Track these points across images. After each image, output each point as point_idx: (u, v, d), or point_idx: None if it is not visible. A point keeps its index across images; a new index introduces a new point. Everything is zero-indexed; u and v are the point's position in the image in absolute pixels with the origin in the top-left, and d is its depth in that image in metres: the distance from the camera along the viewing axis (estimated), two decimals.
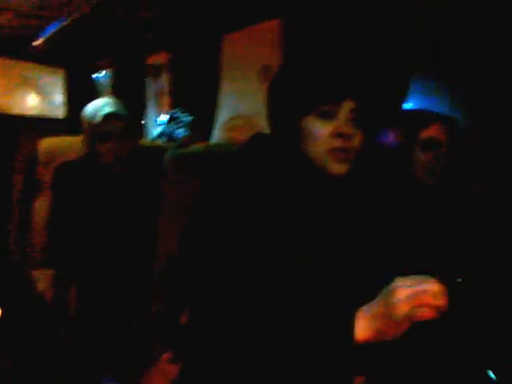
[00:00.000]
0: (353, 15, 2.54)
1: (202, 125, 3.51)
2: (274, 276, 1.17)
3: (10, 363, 2.51)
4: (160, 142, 3.55)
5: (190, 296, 1.32)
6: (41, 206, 2.59)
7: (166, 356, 1.62)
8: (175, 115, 3.58)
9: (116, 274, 2.13)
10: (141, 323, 1.93)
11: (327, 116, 1.24)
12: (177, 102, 3.94)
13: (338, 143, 1.24)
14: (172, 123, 3.57)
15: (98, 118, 2.18)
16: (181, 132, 3.47)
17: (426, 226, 1.70)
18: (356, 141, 1.26)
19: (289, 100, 1.29)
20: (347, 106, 1.24)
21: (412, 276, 1.04)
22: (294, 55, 1.59)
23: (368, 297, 1.07)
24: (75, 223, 2.20)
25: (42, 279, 2.29)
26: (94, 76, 4.98)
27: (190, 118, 3.50)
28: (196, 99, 3.70)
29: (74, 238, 2.19)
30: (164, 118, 3.79)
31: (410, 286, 1.02)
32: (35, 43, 4.31)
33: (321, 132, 1.24)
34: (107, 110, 2.20)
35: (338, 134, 1.24)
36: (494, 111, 2.08)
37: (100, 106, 2.23)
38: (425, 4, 2.24)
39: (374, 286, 1.09)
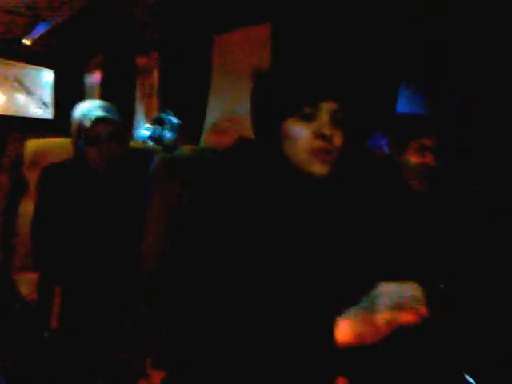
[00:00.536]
0: (334, 18, 2.54)
1: (191, 127, 3.49)
2: (260, 276, 1.17)
3: None
4: (148, 144, 3.53)
5: (181, 297, 1.32)
6: (26, 208, 2.56)
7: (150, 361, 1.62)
8: (163, 117, 3.57)
9: (103, 276, 2.12)
10: (131, 325, 1.92)
11: (308, 118, 1.27)
12: (165, 103, 3.91)
13: (318, 144, 1.26)
14: (160, 126, 3.55)
15: (88, 121, 2.17)
16: (168, 135, 3.45)
17: (415, 228, 1.72)
18: (337, 142, 1.28)
19: (270, 103, 1.31)
20: (328, 108, 1.27)
21: (395, 281, 1.06)
22: (276, 58, 1.61)
23: (351, 299, 1.09)
24: (61, 226, 2.17)
25: (26, 283, 2.27)
26: (82, 77, 4.95)
27: (177, 121, 3.48)
28: (185, 101, 3.68)
29: (60, 240, 2.16)
30: (152, 120, 3.78)
31: (393, 292, 1.05)
32: (23, 42, 4.28)
33: (302, 133, 1.26)
34: (97, 113, 2.19)
35: (318, 135, 1.26)
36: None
37: (90, 109, 2.21)
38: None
39: (357, 288, 1.11)
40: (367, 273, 1.27)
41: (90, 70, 4.87)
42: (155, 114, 3.89)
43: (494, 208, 1.87)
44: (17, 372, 2.41)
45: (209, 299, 1.19)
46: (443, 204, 1.82)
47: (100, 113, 2.19)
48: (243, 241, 1.21)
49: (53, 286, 2.18)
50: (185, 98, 3.70)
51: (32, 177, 2.58)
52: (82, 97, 2.45)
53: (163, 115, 3.58)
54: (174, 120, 3.48)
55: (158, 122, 3.58)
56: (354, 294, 1.11)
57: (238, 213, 1.23)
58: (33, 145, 2.69)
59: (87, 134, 2.17)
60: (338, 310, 1.09)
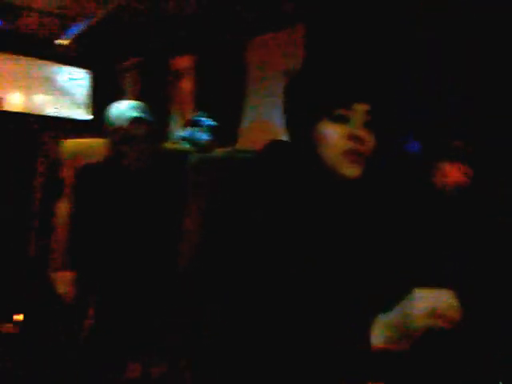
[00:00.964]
0: (365, 20, 2.53)
1: (226, 130, 3.49)
2: (292, 278, 1.19)
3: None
4: (183, 145, 3.54)
5: (213, 296, 1.33)
6: (62, 207, 2.58)
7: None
8: (198, 119, 3.57)
9: (138, 274, 2.13)
10: (164, 324, 1.93)
11: (341, 120, 1.27)
12: (200, 105, 3.92)
13: (351, 146, 1.26)
14: (195, 127, 3.56)
15: (123, 122, 2.19)
16: (203, 137, 3.45)
17: (439, 232, 1.72)
18: (369, 144, 1.29)
19: (304, 104, 1.32)
20: (361, 110, 1.28)
21: (429, 289, 1.08)
22: (309, 61, 1.63)
23: (383, 303, 1.11)
24: (97, 225, 2.19)
25: (62, 282, 2.29)
26: (118, 77, 4.99)
27: (212, 123, 3.49)
28: (220, 103, 3.69)
29: (96, 240, 2.18)
30: (187, 121, 3.79)
31: (428, 299, 1.06)
32: (59, 43, 4.33)
33: (335, 135, 1.27)
34: (132, 113, 2.20)
35: (351, 137, 1.26)
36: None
37: (125, 109, 2.23)
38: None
39: (389, 293, 1.12)
40: (398, 277, 1.29)
41: (125, 71, 4.91)
42: (190, 115, 3.90)
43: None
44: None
45: (239, 301, 1.20)
46: (469, 207, 1.83)
47: (135, 113, 2.21)
48: (273, 242, 1.22)
49: (88, 285, 2.20)
50: (220, 101, 3.71)
51: (68, 176, 2.60)
52: (117, 97, 2.46)
53: (198, 117, 3.59)
54: (209, 122, 3.49)
55: (194, 123, 3.59)
56: (386, 298, 1.13)
57: (268, 214, 1.24)
58: (69, 145, 2.71)
59: (122, 134, 2.19)
60: (372, 315, 1.12)
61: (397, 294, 1.11)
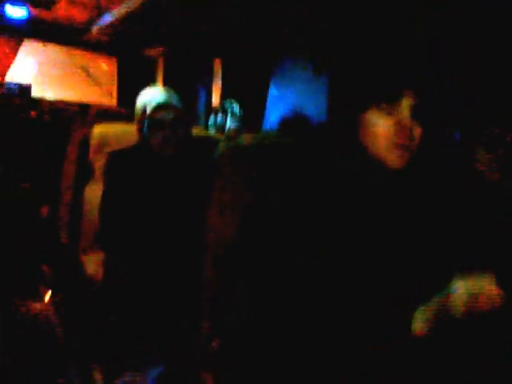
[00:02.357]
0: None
1: (253, 117, 3.50)
2: (333, 267, 1.19)
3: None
4: (210, 132, 3.56)
5: (240, 284, 1.34)
6: (92, 192, 2.62)
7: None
8: (226, 106, 3.59)
9: (166, 259, 2.16)
10: (191, 310, 1.95)
11: (388, 111, 1.27)
12: (228, 91, 3.93)
13: (398, 138, 1.26)
14: (222, 114, 3.58)
15: (151, 108, 2.22)
16: (231, 123, 3.47)
17: (478, 219, 1.70)
18: (416, 136, 1.29)
19: (351, 95, 1.31)
20: (409, 102, 1.27)
21: (471, 276, 1.07)
22: (354, 50, 1.62)
23: (426, 290, 1.11)
24: (126, 209, 2.22)
25: (92, 263, 2.33)
26: (146, 65, 5.01)
27: (240, 110, 3.50)
28: (248, 90, 3.69)
29: (125, 223, 2.22)
30: (215, 108, 3.80)
31: (470, 288, 1.07)
32: (88, 32, 4.36)
33: (382, 126, 1.27)
34: (160, 99, 2.24)
35: (398, 129, 1.26)
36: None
37: (153, 96, 2.26)
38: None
39: (431, 280, 1.12)
40: (439, 264, 1.28)
41: (153, 59, 4.93)
42: (218, 102, 3.91)
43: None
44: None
45: (270, 288, 1.21)
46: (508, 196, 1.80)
47: (163, 99, 2.24)
48: (314, 231, 1.22)
49: (117, 267, 2.24)
50: (248, 87, 3.71)
51: (98, 162, 2.64)
52: (145, 84, 2.49)
53: (226, 104, 3.60)
54: (237, 109, 3.50)
55: (221, 110, 3.60)
56: (429, 285, 1.13)
57: (310, 203, 1.24)
58: (99, 131, 2.74)
59: (151, 120, 2.22)
60: (415, 302, 1.12)
61: (438, 281, 1.11)
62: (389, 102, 1.27)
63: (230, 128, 3.44)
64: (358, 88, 1.31)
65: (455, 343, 1.17)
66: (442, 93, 2.22)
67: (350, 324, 1.13)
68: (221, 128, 3.52)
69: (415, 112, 1.28)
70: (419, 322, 1.10)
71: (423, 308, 1.11)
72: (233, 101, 3.57)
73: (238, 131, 3.37)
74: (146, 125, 2.24)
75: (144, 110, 2.24)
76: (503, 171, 1.77)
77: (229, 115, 3.51)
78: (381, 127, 1.27)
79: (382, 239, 1.30)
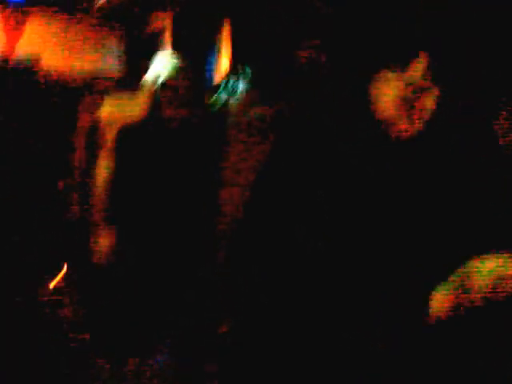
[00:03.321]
0: None
1: (265, 80, 3.43)
2: (348, 248, 1.17)
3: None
4: (221, 97, 3.51)
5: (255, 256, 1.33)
6: (101, 166, 2.61)
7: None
8: (236, 68, 3.53)
9: (177, 231, 2.20)
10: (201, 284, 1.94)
11: (400, 72, 1.23)
12: (239, 56, 3.86)
13: (408, 94, 1.22)
14: (233, 76, 3.52)
15: (164, 76, 2.31)
16: (242, 87, 3.41)
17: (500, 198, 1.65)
18: (429, 101, 1.24)
19: (362, 56, 1.28)
20: (421, 63, 1.23)
21: (493, 256, 1.08)
22: (363, 12, 1.58)
23: (442, 271, 1.11)
24: (138, 183, 2.26)
25: (102, 239, 2.33)
26: (154, 33, 4.95)
27: (251, 71, 3.43)
28: (259, 54, 3.63)
29: (135, 198, 2.25)
30: (226, 72, 3.74)
31: (489, 266, 1.04)
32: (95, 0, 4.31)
33: (392, 88, 1.24)
34: (172, 68, 2.36)
35: (410, 91, 1.22)
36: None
37: (165, 64, 2.33)
38: None
39: (448, 261, 1.12)
40: (455, 243, 1.26)
41: (161, 26, 4.86)
42: (229, 65, 3.85)
43: None
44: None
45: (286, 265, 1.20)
46: None
47: (175, 67, 2.34)
48: (324, 204, 1.20)
49: (127, 242, 2.23)
50: (258, 51, 3.65)
51: (108, 136, 2.62)
52: (154, 52, 2.47)
53: (236, 66, 3.54)
54: (248, 71, 3.43)
55: (233, 74, 3.55)
56: (445, 265, 1.13)
57: (317, 172, 1.22)
58: (107, 103, 2.72)
59: (161, 92, 2.26)
60: (431, 284, 1.13)
61: (455, 261, 1.12)
62: (401, 63, 1.24)
63: (241, 92, 3.38)
64: (369, 48, 1.27)
65: (474, 328, 1.16)
66: (460, 56, 2.14)
67: (362, 310, 1.13)
68: (233, 92, 3.46)
69: (429, 74, 1.23)
70: (438, 304, 1.09)
71: (442, 289, 1.09)
72: (243, 63, 3.51)
73: (249, 94, 3.31)
74: (158, 95, 2.30)
75: (155, 82, 2.31)
76: None
77: (240, 79, 3.45)
78: (392, 89, 1.24)
79: (393, 215, 1.28)
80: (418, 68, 1.22)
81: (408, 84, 1.21)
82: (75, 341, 2.59)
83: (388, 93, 1.23)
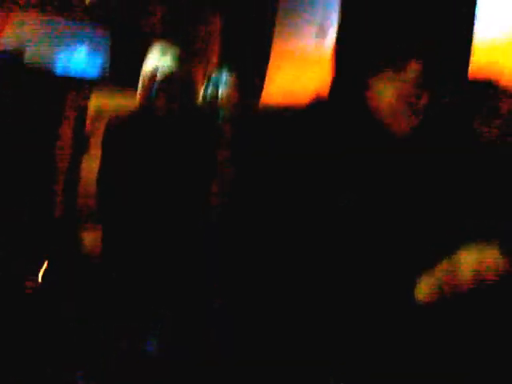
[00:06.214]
0: None
1: (252, 83, 3.43)
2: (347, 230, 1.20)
3: None
4: (210, 90, 3.50)
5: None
6: (89, 164, 2.58)
7: None
8: (220, 70, 3.51)
9: (166, 232, 2.14)
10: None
11: (395, 77, 1.25)
12: (225, 57, 3.87)
13: (405, 103, 1.25)
14: (216, 78, 3.50)
15: (156, 73, 2.19)
16: (222, 88, 3.39)
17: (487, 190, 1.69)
18: (423, 101, 1.28)
19: (356, 61, 1.30)
20: (415, 66, 1.26)
21: (478, 245, 1.10)
22: (357, 18, 1.61)
23: (429, 258, 1.13)
24: (126, 179, 2.20)
25: (90, 239, 2.30)
26: (140, 32, 4.93)
27: (231, 74, 3.42)
28: (246, 56, 3.63)
29: (124, 194, 2.19)
30: (209, 72, 3.72)
31: (475, 256, 1.11)
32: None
33: (389, 90, 1.26)
34: (166, 63, 2.21)
35: (405, 93, 1.25)
36: None
37: (157, 61, 2.23)
38: None
39: (436, 248, 1.17)
40: (444, 231, 1.29)
41: (149, 23, 4.85)
42: (211, 67, 3.84)
43: None
44: None
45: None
46: None
47: (169, 63, 2.21)
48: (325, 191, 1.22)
49: (115, 240, 2.22)
50: (246, 53, 3.65)
51: (95, 132, 2.59)
52: (143, 52, 2.46)
53: (220, 68, 3.53)
54: (229, 73, 3.42)
55: (213, 79, 3.53)
56: (433, 252, 1.16)
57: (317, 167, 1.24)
58: (95, 100, 2.70)
59: (155, 86, 2.19)
60: (418, 270, 1.15)
61: (442, 248, 1.14)
62: (396, 66, 1.27)
63: (224, 95, 3.36)
64: (365, 52, 1.30)
65: (459, 313, 1.19)
66: (450, 59, 2.18)
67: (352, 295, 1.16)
68: (220, 85, 3.44)
69: (423, 77, 1.27)
70: (424, 289, 1.12)
71: (428, 274, 1.13)
72: (227, 64, 3.50)
73: (230, 96, 3.30)
74: (153, 89, 2.21)
75: (151, 74, 2.21)
76: (502, 141, 1.74)
77: (221, 84, 3.43)
78: (388, 90, 1.27)
79: (386, 206, 1.31)
80: (412, 72, 1.26)
81: (403, 87, 1.24)
82: (64, 332, 2.56)
83: (385, 95, 1.26)
